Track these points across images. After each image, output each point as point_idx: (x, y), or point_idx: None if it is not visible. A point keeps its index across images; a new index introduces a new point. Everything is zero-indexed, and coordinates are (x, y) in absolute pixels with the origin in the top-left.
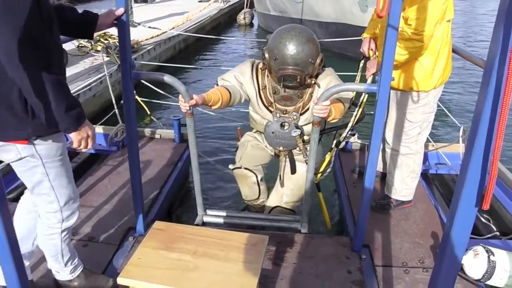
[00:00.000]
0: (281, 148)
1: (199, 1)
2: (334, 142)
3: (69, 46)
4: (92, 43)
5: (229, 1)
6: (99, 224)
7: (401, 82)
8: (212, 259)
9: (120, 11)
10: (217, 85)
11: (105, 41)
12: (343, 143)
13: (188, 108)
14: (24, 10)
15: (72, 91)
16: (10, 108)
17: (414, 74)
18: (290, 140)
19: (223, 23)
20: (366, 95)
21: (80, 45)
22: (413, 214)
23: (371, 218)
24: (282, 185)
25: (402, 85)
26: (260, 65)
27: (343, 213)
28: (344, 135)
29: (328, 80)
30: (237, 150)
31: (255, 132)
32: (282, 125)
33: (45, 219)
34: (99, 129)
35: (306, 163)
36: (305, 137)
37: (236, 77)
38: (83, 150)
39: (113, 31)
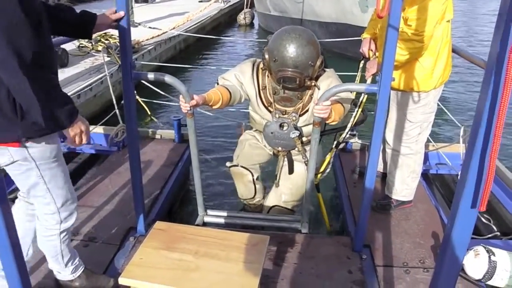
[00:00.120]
0: (279, 148)
1: (199, 1)
2: (335, 143)
3: (69, 46)
4: (93, 43)
5: (230, 1)
6: (100, 224)
7: (401, 83)
8: (213, 259)
9: (119, 14)
10: (217, 84)
11: (106, 41)
12: (342, 144)
13: (188, 108)
14: (7, 18)
15: (73, 91)
16: None
17: (414, 74)
18: (289, 141)
19: (223, 23)
20: (366, 96)
21: (80, 45)
22: (414, 214)
23: (372, 218)
24: (277, 185)
25: (402, 85)
26: (261, 65)
27: (343, 213)
28: (343, 136)
29: (328, 82)
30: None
31: (254, 131)
32: (281, 126)
33: (43, 220)
34: (99, 129)
35: (305, 164)
36: (304, 139)
37: (237, 77)
38: (79, 146)
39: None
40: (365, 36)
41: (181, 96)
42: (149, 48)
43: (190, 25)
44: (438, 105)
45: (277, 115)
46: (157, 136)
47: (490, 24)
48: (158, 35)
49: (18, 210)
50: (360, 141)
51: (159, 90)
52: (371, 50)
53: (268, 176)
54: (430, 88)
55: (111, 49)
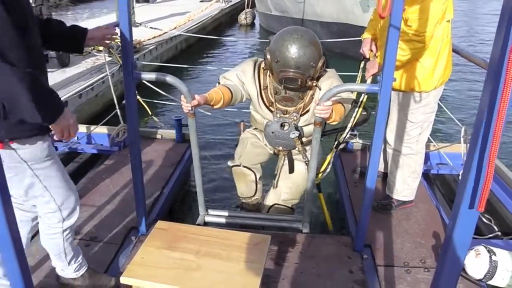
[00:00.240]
0: (280, 148)
1: (200, 1)
2: (335, 143)
3: None
4: None
5: (231, 1)
6: (101, 224)
7: (402, 83)
8: (214, 259)
9: (112, 31)
10: (219, 83)
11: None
12: (343, 144)
13: (190, 108)
14: None
15: (74, 91)
16: None
17: (415, 74)
18: (289, 141)
19: (224, 23)
20: (366, 96)
21: None
22: (415, 214)
23: (373, 218)
24: (275, 185)
25: (403, 85)
26: (262, 65)
27: (344, 213)
28: (344, 136)
29: (329, 82)
30: (237, 145)
31: (254, 129)
32: (282, 126)
33: (46, 219)
34: (101, 129)
35: (305, 163)
36: (304, 139)
37: (238, 76)
38: (67, 140)
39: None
40: (365, 36)
41: (182, 96)
42: (150, 48)
43: (191, 25)
44: (439, 105)
45: (278, 115)
46: (158, 136)
47: (491, 23)
48: (159, 35)
49: None
50: (361, 141)
51: (160, 90)
52: (371, 51)
53: (267, 175)
54: (431, 88)
55: (112, 49)
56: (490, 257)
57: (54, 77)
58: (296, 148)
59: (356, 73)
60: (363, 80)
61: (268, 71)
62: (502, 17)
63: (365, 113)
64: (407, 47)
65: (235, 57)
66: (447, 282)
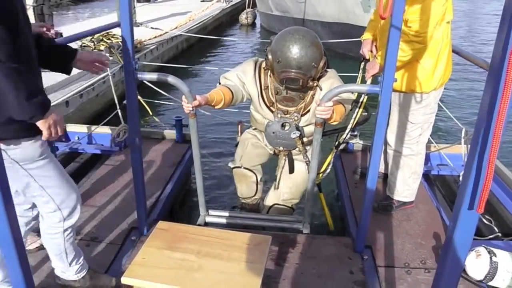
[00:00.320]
0: (281, 148)
1: (201, 1)
2: (336, 143)
3: (72, 45)
4: (95, 42)
5: (232, 1)
6: (102, 224)
7: (402, 84)
8: (215, 259)
9: (103, 59)
10: (219, 83)
11: (108, 41)
12: (343, 144)
13: (191, 108)
14: None
15: (75, 90)
16: None
17: (415, 75)
18: (290, 141)
19: (225, 23)
20: (366, 97)
21: (83, 44)
22: (415, 215)
23: (373, 219)
24: (277, 186)
25: (403, 86)
26: (263, 65)
27: (345, 214)
28: (344, 136)
29: (330, 82)
30: (237, 146)
31: (254, 129)
32: (283, 126)
33: (46, 218)
34: (101, 129)
35: (306, 163)
36: (305, 139)
37: (239, 76)
38: (54, 139)
39: (117, 30)
40: (365, 37)
41: (183, 96)
42: (151, 47)
43: (192, 25)
44: (440, 106)
45: (279, 115)
46: (159, 136)
47: (492, 24)
48: (160, 35)
49: None
50: (361, 142)
51: (160, 90)
52: (371, 52)
53: (267, 175)
54: (431, 89)
55: (113, 49)
56: (491, 258)
57: (55, 76)
58: (297, 148)
59: (357, 74)
60: (363, 81)
61: (269, 71)
62: (503, 18)
63: (366, 113)
64: (407, 48)
65: (236, 57)
66: (447, 283)
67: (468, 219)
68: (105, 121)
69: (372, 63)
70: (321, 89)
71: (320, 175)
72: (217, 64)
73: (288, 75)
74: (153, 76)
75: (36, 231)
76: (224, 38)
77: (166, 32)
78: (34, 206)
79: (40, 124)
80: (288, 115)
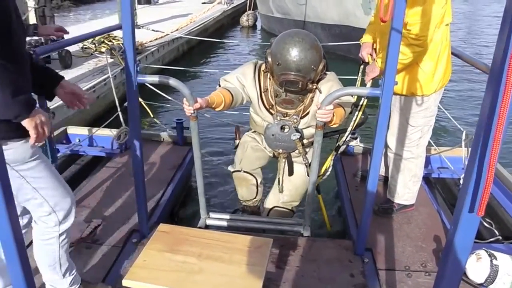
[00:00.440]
0: (280, 151)
1: (202, 3)
2: (336, 145)
3: (73, 47)
4: (96, 44)
5: (233, 3)
6: (103, 227)
7: (402, 87)
8: (216, 262)
9: (85, 96)
10: (219, 85)
11: (109, 43)
12: (343, 147)
13: (192, 111)
14: None
15: None
16: None
17: (415, 78)
18: (290, 143)
19: (226, 25)
20: (366, 100)
21: (84, 46)
22: (416, 218)
23: (374, 221)
24: (281, 189)
25: (403, 90)
26: (263, 67)
27: (345, 217)
28: (343, 139)
29: (329, 85)
30: (236, 148)
31: (253, 132)
32: (282, 128)
33: (41, 223)
34: (102, 131)
35: (305, 166)
36: (304, 141)
37: (239, 79)
38: (41, 141)
39: (118, 32)
40: (364, 40)
41: (184, 99)
42: (152, 49)
43: (193, 27)
44: (440, 109)
45: (278, 117)
46: (160, 139)
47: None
48: (161, 37)
49: None
50: (362, 145)
51: (161, 93)
52: (370, 55)
53: (267, 178)
54: (431, 92)
55: (114, 51)
56: (491, 261)
57: None
58: (297, 151)
59: (356, 77)
60: (363, 84)
61: (269, 74)
62: (504, 20)
63: (363, 116)
64: (407, 51)
65: (237, 59)
66: (448, 286)
67: (468, 222)
68: (106, 123)
69: (372, 66)
70: (320, 92)
71: (320, 178)
72: (218, 65)
73: (288, 78)
74: (155, 78)
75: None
76: (225, 40)
77: (167, 34)
78: (23, 213)
79: (26, 123)
80: (287, 118)
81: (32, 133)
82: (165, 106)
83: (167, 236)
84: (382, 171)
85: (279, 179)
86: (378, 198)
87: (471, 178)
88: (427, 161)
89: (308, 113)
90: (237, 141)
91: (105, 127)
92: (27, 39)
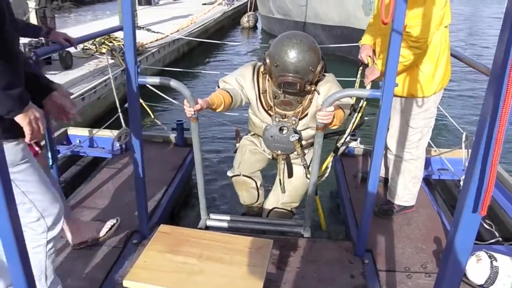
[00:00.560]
0: (279, 152)
1: (203, 4)
2: (335, 147)
3: (73, 48)
4: (97, 45)
5: (233, 4)
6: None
7: (402, 89)
8: (217, 263)
9: (72, 107)
10: (218, 87)
11: (110, 44)
12: (342, 149)
13: (193, 112)
14: None
15: (77, 93)
16: None
17: (415, 80)
18: (288, 145)
19: (226, 26)
20: (365, 102)
21: (85, 47)
22: (416, 219)
23: (374, 223)
24: (283, 190)
25: (403, 91)
26: (262, 69)
27: (345, 218)
28: (342, 141)
29: (328, 86)
30: (235, 152)
31: (252, 135)
32: (281, 129)
33: (29, 230)
34: (103, 132)
35: (304, 167)
36: (303, 142)
37: (238, 80)
38: (36, 138)
39: (118, 33)
40: (363, 42)
41: (185, 100)
42: (152, 50)
43: (193, 28)
44: (441, 110)
45: (277, 119)
46: (160, 140)
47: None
48: (162, 38)
49: None
50: (362, 146)
51: (162, 94)
52: (369, 57)
53: (266, 179)
54: (431, 93)
55: (115, 52)
56: (491, 262)
57: (57, 79)
58: (295, 152)
59: (355, 79)
60: (362, 86)
61: (267, 75)
62: (505, 22)
63: (361, 118)
64: (406, 53)
65: (237, 60)
66: (448, 287)
67: (469, 223)
68: (106, 124)
69: (371, 69)
70: (318, 93)
71: (319, 179)
72: (218, 66)
73: (286, 79)
74: (156, 80)
75: None
76: (226, 42)
77: (167, 36)
78: None
79: (20, 119)
80: (286, 119)
81: (26, 129)
82: (165, 107)
83: (168, 237)
84: (382, 173)
85: (280, 180)
86: (378, 199)
87: (471, 179)
88: (427, 163)
89: (306, 114)
90: (237, 145)
91: (105, 128)
92: (32, 40)
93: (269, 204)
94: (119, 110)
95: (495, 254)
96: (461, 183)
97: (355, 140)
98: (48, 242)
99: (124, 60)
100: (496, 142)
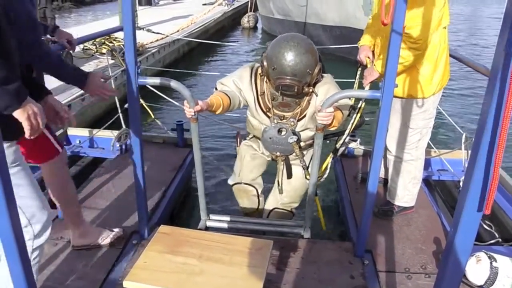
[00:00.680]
0: (278, 154)
1: (203, 4)
2: (334, 148)
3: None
4: (97, 45)
5: (233, 5)
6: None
7: (401, 90)
8: (217, 263)
9: (62, 117)
10: (216, 89)
11: (110, 44)
12: (341, 150)
13: (193, 113)
14: None
15: (77, 94)
16: None
17: (414, 81)
18: (287, 146)
19: (227, 26)
20: (364, 102)
21: (85, 47)
22: (415, 220)
23: (374, 223)
24: (281, 191)
25: (402, 92)
26: (259, 70)
27: (345, 218)
28: (341, 142)
29: (326, 88)
30: (236, 157)
31: (250, 138)
32: (279, 131)
33: None
34: (103, 133)
35: (303, 168)
36: (302, 143)
37: (235, 83)
38: (36, 133)
39: (119, 34)
40: (362, 43)
41: (185, 101)
42: (153, 51)
43: (193, 28)
44: (440, 112)
45: (275, 121)
46: (160, 140)
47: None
48: (162, 38)
49: None
50: (362, 147)
51: (162, 94)
52: (368, 58)
53: (267, 181)
54: (430, 94)
55: (115, 52)
56: (491, 263)
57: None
58: (294, 153)
59: (353, 80)
60: (361, 87)
61: (265, 77)
62: (505, 22)
63: (360, 119)
64: (405, 54)
65: (237, 60)
66: None
67: (469, 224)
68: (106, 124)
69: (370, 70)
70: (316, 95)
71: (318, 179)
72: (219, 67)
73: (283, 82)
74: (156, 80)
75: None
76: (226, 43)
77: (167, 36)
78: None
79: (18, 114)
80: (284, 121)
81: (25, 124)
82: (165, 108)
83: (168, 238)
84: (381, 173)
85: (278, 181)
86: (378, 200)
87: (471, 180)
88: (427, 164)
89: (305, 115)
90: (237, 149)
91: (105, 128)
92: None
93: (269, 205)
94: (119, 111)
95: (495, 255)
96: (461, 183)
97: (355, 141)
98: (34, 250)
99: (124, 61)
100: (499, 141)
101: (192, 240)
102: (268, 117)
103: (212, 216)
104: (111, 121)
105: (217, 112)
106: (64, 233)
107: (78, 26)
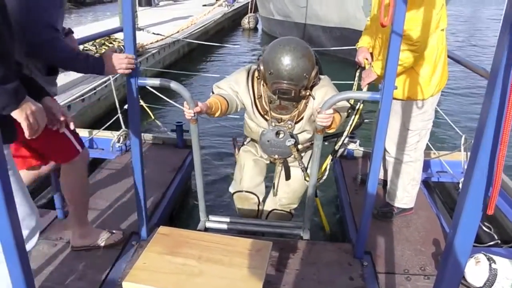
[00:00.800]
0: (276, 156)
1: (203, 5)
2: (333, 149)
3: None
4: (97, 46)
5: (234, 6)
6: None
7: (400, 92)
8: (216, 264)
9: (58, 118)
10: (213, 92)
11: (110, 45)
12: (340, 151)
13: (193, 114)
14: None
15: (77, 94)
16: None
17: (413, 83)
18: (285, 149)
19: (227, 27)
20: (362, 104)
21: (85, 48)
22: (415, 221)
23: (373, 225)
24: (275, 193)
25: (401, 94)
26: (256, 73)
27: (345, 220)
28: (340, 143)
29: (324, 90)
30: (235, 164)
31: (248, 142)
32: (277, 134)
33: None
34: (102, 133)
35: (301, 170)
36: (299, 146)
37: (231, 86)
38: (35, 133)
39: (119, 35)
40: (360, 45)
41: (185, 102)
42: (153, 52)
43: (193, 29)
44: (439, 113)
45: (273, 123)
46: (160, 141)
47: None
48: (162, 39)
49: None
50: (362, 149)
51: (161, 95)
52: (366, 59)
53: (267, 182)
54: (428, 96)
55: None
56: (490, 265)
57: (57, 80)
58: (292, 156)
59: (353, 81)
60: (359, 88)
61: (262, 81)
62: (504, 24)
63: (359, 120)
64: (403, 56)
65: (237, 61)
66: None
67: (468, 225)
68: (106, 125)
69: (368, 71)
70: (313, 98)
71: (317, 181)
72: (219, 68)
73: (280, 86)
74: (156, 81)
75: None
76: (226, 45)
77: (167, 37)
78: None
79: (16, 114)
80: (282, 123)
81: (24, 125)
82: (165, 109)
83: (167, 239)
84: (381, 175)
85: (274, 183)
86: (378, 201)
87: (470, 182)
88: (427, 165)
89: (302, 118)
90: (236, 156)
91: (105, 129)
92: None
93: (268, 206)
94: (119, 111)
95: (494, 257)
96: (460, 185)
97: (354, 142)
98: None
99: None
100: (502, 140)
101: (191, 241)
102: (266, 120)
103: (211, 217)
104: (110, 121)
105: (215, 115)
106: (64, 234)
107: (79, 26)
